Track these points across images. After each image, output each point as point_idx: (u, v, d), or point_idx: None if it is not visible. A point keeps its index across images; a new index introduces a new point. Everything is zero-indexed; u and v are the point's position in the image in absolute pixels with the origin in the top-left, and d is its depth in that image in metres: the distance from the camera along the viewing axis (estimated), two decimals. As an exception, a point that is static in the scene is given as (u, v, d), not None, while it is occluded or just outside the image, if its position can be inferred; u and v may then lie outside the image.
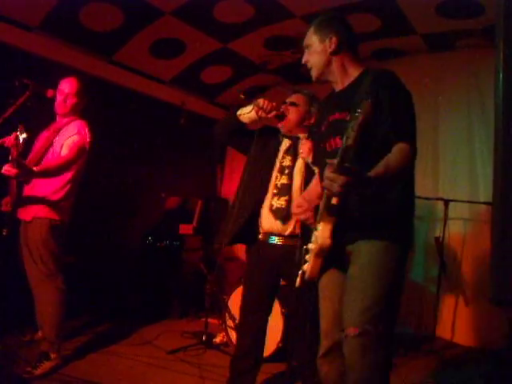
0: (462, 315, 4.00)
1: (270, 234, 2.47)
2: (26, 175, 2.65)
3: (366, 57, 4.57)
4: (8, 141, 2.58)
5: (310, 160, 2.32)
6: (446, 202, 3.75)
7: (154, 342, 3.57)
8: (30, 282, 2.84)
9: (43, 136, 2.99)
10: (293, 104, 2.54)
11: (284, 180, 2.46)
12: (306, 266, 1.76)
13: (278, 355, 3.11)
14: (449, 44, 4.16)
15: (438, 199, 3.87)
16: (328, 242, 1.64)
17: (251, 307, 2.54)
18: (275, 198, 2.44)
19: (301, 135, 2.51)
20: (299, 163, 2.47)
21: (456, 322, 4.01)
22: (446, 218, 3.73)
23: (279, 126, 2.54)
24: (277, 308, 3.14)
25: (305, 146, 2.36)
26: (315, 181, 2.02)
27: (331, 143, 1.82)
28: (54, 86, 2.95)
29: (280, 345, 3.13)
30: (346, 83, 1.85)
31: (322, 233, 1.65)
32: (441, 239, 3.70)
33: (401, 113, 1.68)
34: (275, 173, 2.50)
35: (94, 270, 4.14)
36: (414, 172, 1.77)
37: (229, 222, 2.52)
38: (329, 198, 1.63)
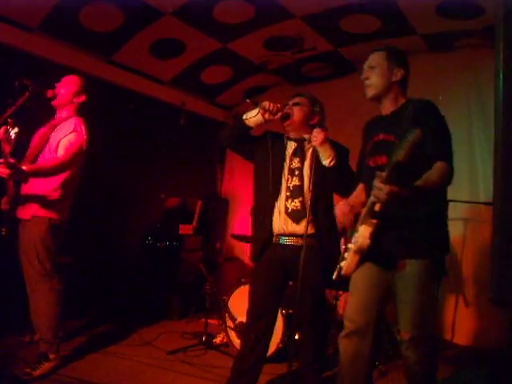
0: (462, 315, 3.99)
1: (281, 235, 2.50)
2: (18, 175, 2.63)
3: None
4: None
5: (319, 148, 2.38)
6: (446, 202, 3.74)
7: (153, 342, 3.57)
8: (26, 282, 2.83)
9: (40, 132, 2.98)
10: (296, 104, 2.58)
11: (295, 181, 2.50)
12: (343, 263, 2.03)
13: (278, 356, 3.12)
14: (449, 44, 4.16)
15: (437, 199, 3.87)
16: (367, 241, 1.91)
17: (259, 309, 2.54)
18: (289, 200, 2.48)
19: (306, 136, 2.54)
20: (306, 164, 2.51)
21: (456, 323, 4.01)
22: (445, 218, 3.73)
23: (285, 126, 2.58)
24: (277, 308, 3.14)
25: (320, 135, 2.38)
26: (358, 191, 2.24)
27: (376, 160, 2.10)
28: (54, 87, 2.95)
29: (280, 345, 3.13)
30: (391, 109, 2.13)
31: (363, 233, 1.92)
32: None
33: (441, 138, 1.96)
34: (286, 175, 2.53)
35: (94, 270, 4.14)
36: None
37: (254, 236, 2.63)
38: (373, 205, 1.88)
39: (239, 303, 3.42)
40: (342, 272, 2.04)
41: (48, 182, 2.83)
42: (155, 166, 4.90)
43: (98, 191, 4.09)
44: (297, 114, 2.56)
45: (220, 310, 3.68)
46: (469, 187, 4.05)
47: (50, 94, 2.90)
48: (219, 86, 5.30)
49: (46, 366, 2.73)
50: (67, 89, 2.96)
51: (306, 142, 2.56)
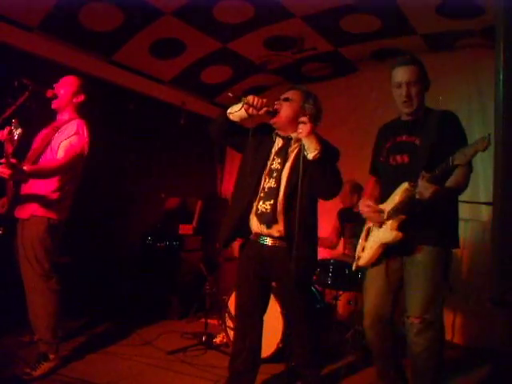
0: (461, 316, 3.99)
1: (259, 234, 2.45)
2: (19, 176, 2.62)
3: (366, 57, 4.58)
4: (1, 135, 2.57)
5: (305, 140, 2.25)
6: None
7: (153, 342, 3.56)
8: (24, 282, 2.82)
9: (42, 133, 2.97)
10: (286, 99, 2.45)
11: (271, 183, 2.40)
12: (363, 253, 2.30)
13: (278, 356, 3.11)
14: (449, 44, 4.16)
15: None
16: (400, 235, 2.11)
17: (246, 309, 2.53)
18: (261, 202, 2.40)
19: (293, 135, 2.42)
20: (287, 166, 2.41)
21: (456, 323, 4.01)
22: (446, 219, 3.73)
23: (271, 122, 2.46)
24: (276, 308, 3.14)
25: (306, 126, 2.25)
26: (372, 186, 2.49)
27: (397, 159, 2.27)
28: (54, 87, 2.95)
29: (280, 345, 3.12)
30: (413, 116, 2.27)
31: (391, 227, 2.13)
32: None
33: (463, 145, 2.02)
34: (264, 175, 2.44)
35: (94, 270, 4.14)
36: None
37: (222, 225, 2.56)
38: (404, 202, 2.07)
39: (239, 303, 3.42)
40: (363, 262, 2.30)
41: (47, 183, 2.82)
42: (155, 166, 4.90)
43: (98, 191, 4.09)
44: (284, 110, 2.42)
45: (220, 309, 3.67)
46: (469, 187, 4.02)
47: (49, 93, 2.89)
48: (219, 85, 5.29)
49: (45, 366, 2.73)
50: (66, 90, 2.95)
51: (292, 141, 2.44)
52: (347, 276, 3.59)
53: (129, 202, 4.66)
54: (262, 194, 2.42)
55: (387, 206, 2.20)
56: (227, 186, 5.88)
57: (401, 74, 2.21)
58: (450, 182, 2.03)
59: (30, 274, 2.79)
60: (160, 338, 3.66)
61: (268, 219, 2.37)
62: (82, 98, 3.00)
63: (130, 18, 3.77)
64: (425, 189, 1.95)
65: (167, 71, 4.82)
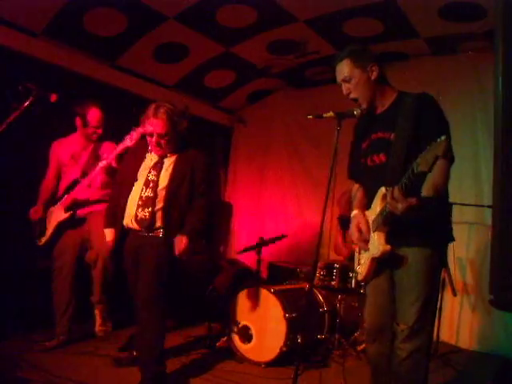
0: (466, 319, 3.97)
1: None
2: None
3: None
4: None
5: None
6: (450, 206, 3.73)
7: (156, 345, 3.55)
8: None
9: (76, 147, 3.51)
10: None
11: (148, 193, 2.69)
12: (359, 269, 2.10)
13: (282, 360, 3.11)
14: (452, 47, 4.15)
15: (441, 203, 3.85)
16: (388, 247, 1.91)
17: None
18: (139, 209, 2.66)
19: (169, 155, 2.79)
20: (162, 178, 2.72)
21: (460, 327, 3.99)
22: (450, 222, 3.71)
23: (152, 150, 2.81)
24: (279, 312, 3.14)
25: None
26: (360, 195, 2.20)
27: (374, 159, 2.06)
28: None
29: (284, 349, 3.11)
30: (385, 106, 2.09)
31: (378, 240, 1.94)
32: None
33: (442, 133, 1.75)
34: (141, 185, 2.71)
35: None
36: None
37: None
38: (386, 213, 1.86)
39: (242, 307, 3.42)
40: (360, 278, 2.10)
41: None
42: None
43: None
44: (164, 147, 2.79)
45: (223, 313, 3.67)
46: (473, 190, 4.04)
47: (53, 98, 2.91)
48: (223, 89, 5.31)
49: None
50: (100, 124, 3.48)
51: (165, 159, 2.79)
52: (351, 279, 3.60)
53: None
54: (139, 202, 2.71)
55: (370, 214, 2.04)
56: (231, 189, 5.90)
57: (336, 76, 2.13)
58: (426, 190, 1.78)
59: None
60: (163, 342, 3.65)
61: (147, 225, 2.69)
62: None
63: (133, 23, 3.79)
64: (395, 204, 1.76)
65: (171, 75, 4.84)
